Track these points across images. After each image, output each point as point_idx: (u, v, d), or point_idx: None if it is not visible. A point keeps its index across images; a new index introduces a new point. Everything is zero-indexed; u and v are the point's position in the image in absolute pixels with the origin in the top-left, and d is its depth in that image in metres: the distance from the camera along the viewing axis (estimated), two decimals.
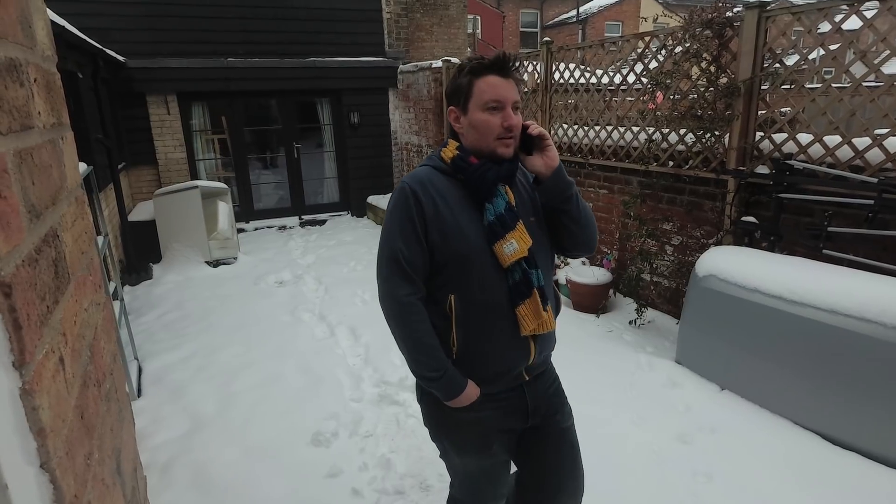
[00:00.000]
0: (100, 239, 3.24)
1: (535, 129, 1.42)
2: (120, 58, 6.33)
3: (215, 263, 5.86)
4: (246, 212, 7.88)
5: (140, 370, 3.58)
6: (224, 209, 6.29)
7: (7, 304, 0.48)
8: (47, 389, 0.54)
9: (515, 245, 1.37)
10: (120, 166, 6.06)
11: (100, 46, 5.25)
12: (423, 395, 1.54)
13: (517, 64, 1.29)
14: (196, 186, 5.73)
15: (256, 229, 7.68)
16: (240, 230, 7.25)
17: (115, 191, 5.46)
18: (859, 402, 2.43)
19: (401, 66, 8.02)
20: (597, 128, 4.55)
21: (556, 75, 4.95)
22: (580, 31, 21.84)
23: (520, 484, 1.64)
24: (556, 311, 1.55)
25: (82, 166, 3.03)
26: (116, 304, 3.38)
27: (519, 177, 1.50)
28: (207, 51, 7.05)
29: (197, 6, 6.88)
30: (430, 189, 1.40)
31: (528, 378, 1.51)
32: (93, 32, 5.31)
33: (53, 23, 3.58)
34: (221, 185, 6.45)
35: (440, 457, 1.67)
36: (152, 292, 5.15)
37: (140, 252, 5.65)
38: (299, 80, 7.54)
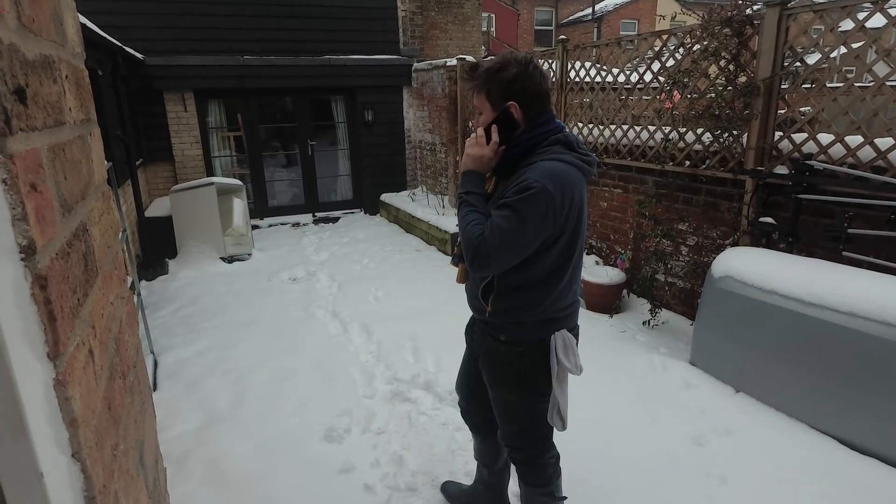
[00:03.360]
0: (119, 235, 3.28)
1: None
2: (139, 55, 6.40)
3: (230, 259, 5.92)
4: (260, 208, 7.95)
5: (156, 364, 3.62)
6: (239, 206, 6.34)
7: (43, 296, 0.49)
8: (78, 380, 0.55)
9: None
10: (137, 163, 6.14)
11: (119, 44, 5.32)
12: None
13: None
14: (212, 183, 5.78)
15: (270, 226, 7.73)
16: (254, 227, 7.31)
17: (132, 187, 5.53)
18: (879, 406, 2.39)
19: (415, 63, 8.02)
20: (612, 126, 4.52)
21: (572, 73, 4.93)
22: (595, 30, 21.69)
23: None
24: (481, 292, 1.69)
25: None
26: (134, 299, 3.43)
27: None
28: (224, 49, 7.11)
29: (214, 4, 6.95)
30: None
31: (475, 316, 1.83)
32: (113, 30, 5.38)
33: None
34: (236, 181, 6.51)
35: None
36: (168, 287, 5.21)
37: (156, 247, 5.72)
38: (314, 77, 7.57)
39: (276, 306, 4.67)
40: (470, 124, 6.93)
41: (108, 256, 0.83)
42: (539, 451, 1.84)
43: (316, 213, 8.22)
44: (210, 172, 7.50)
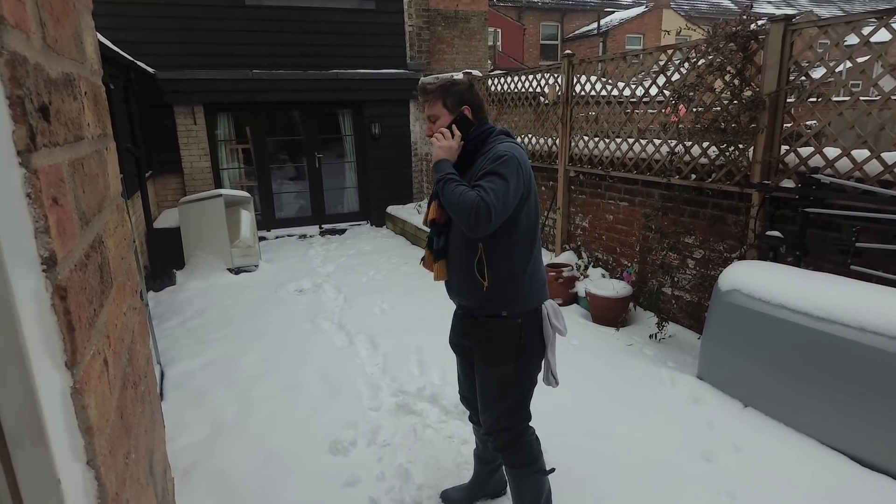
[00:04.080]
0: None
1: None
2: (150, 70, 6.51)
3: (237, 271, 5.95)
4: (267, 220, 8.00)
5: (162, 375, 3.64)
6: (246, 217, 6.39)
7: (62, 306, 0.51)
8: (94, 389, 0.57)
9: (426, 212, 1.99)
10: (147, 175, 6.21)
11: (131, 59, 5.42)
12: None
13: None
14: (220, 195, 5.84)
15: (277, 237, 7.78)
16: (261, 238, 7.36)
17: (141, 198, 5.59)
18: (890, 421, 2.36)
19: (422, 78, 8.11)
20: (618, 140, 4.54)
21: (577, 87, 4.96)
22: (601, 44, 21.84)
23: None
24: (475, 285, 1.89)
25: None
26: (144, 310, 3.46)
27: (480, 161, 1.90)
28: (234, 63, 7.22)
29: (225, 20, 7.07)
30: None
31: (459, 311, 2.10)
32: (125, 45, 5.48)
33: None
34: (244, 193, 6.57)
35: None
36: (175, 298, 5.24)
37: (164, 258, 5.76)
38: (322, 91, 7.67)
39: (283, 318, 4.69)
40: None
41: (122, 268, 0.84)
42: (524, 428, 2.04)
43: (322, 225, 8.27)
44: (218, 184, 7.58)
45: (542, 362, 2.01)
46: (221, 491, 2.52)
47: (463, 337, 2.09)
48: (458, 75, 7.10)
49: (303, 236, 7.86)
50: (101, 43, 4.10)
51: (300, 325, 4.53)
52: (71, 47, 0.67)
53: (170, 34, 6.88)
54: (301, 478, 2.59)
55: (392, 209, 8.13)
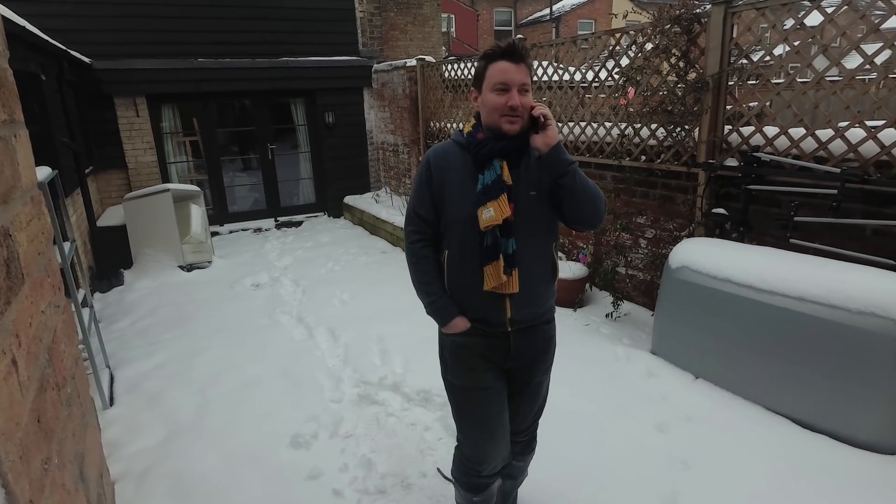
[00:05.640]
0: (67, 245, 3.15)
1: (538, 109, 1.56)
2: (85, 59, 6.17)
3: (189, 268, 5.76)
4: (220, 214, 7.76)
5: (112, 378, 3.49)
6: (197, 212, 6.18)
7: None
8: None
9: (492, 213, 1.57)
10: (87, 170, 5.91)
11: (63, 48, 5.11)
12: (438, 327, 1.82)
13: (528, 51, 1.64)
14: (168, 189, 5.62)
15: (231, 232, 7.56)
16: (214, 233, 7.13)
17: (82, 196, 5.32)
18: (827, 386, 2.50)
19: (375, 65, 7.98)
20: (570, 124, 4.59)
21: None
22: (554, 30, 22.02)
23: None
24: (552, 278, 1.76)
25: (46, 170, 2.95)
26: (86, 312, 3.30)
27: (533, 154, 1.64)
28: (177, 51, 6.91)
29: (165, 6, 6.74)
30: (444, 160, 1.69)
31: (511, 329, 1.72)
32: (56, 34, 5.16)
33: (13, 23, 3.47)
34: (194, 187, 6.34)
35: (447, 394, 1.87)
36: (124, 299, 5.03)
37: (110, 258, 5.52)
38: (272, 80, 7.44)
39: (240, 314, 4.57)
40: (432, 124, 6.94)
41: (39, 263, 0.79)
42: None
43: (278, 218, 8.09)
44: (166, 179, 7.28)
45: None
46: (179, 493, 2.45)
47: (514, 357, 1.75)
48: (411, 61, 7.02)
49: (258, 230, 7.66)
50: (27, 31, 3.85)
51: (258, 320, 4.43)
52: None
53: (106, 21, 6.52)
54: (262, 474, 2.54)
55: (350, 199, 8.02)
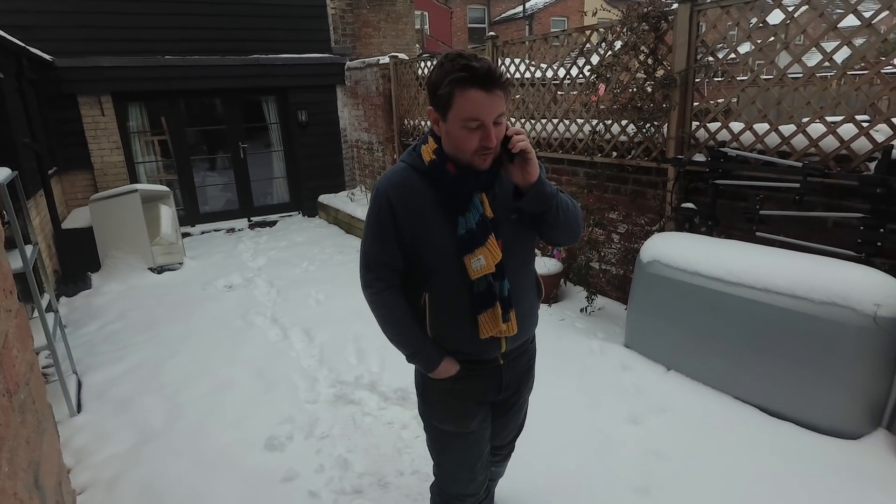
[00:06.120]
0: (28, 248, 3.05)
1: (518, 146, 1.34)
2: (47, 57, 5.96)
3: (160, 270, 5.63)
4: (191, 215, 7.60)
5: (80, 384, 3.40)
6: (167, 213, 6.04)
7: None
8: None
9: (483, 261, 1.40)
10: (51, 171, 5.72)
11: (22, 45, 4.94)
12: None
13: (504, 77, 1.31)
14: (136, 190, 5.48)
15: (203, 233, 7.42)
16: (185, 234, 6.99)
17: (45, 197, 5.15)
18: (792, 374, 2.57)
19: (348, 62, 7.91)
20: (543, 121, 4.62)
21: (503, 70, 5.00)
22: (527, 27, 22.16)
23: None
24: (538, 295, 1.66)
25: (6, 171, 2.85)
26: (51, 316, 3.20)
27: (502, 172, 1.44)
28: (143, 49, 6.74)
29: (129, 2, 6.57)
30: (406, 193, 1.42)
31: (503, 362, 1.60)
32: (15, 30, 4.99)
33: None
34: (163, 187, 6.19)
35: (424, 429, 1.74)
36: (92, 303, 4.90)
37: (77, 261, 5.35)
38: (243, 78, 7.32)
39: (213, 316, 4.49)
40: (406, 122, 6.91)
41: None
42: None
43: (252, 218, 7.97)
44: (134, 179, 7.11)
45: None
46: (150, 500, 2.41)
47: (506, 388, 1.66)
48: (384, 59, 6.98)
49: (231, 230, 7.53)
50: None
51: (231, 322, 4.35)
52: None
53: (68, 17, 6.31)
54: (236, 478, 2.50)
55: (324, 198, 7.94)
